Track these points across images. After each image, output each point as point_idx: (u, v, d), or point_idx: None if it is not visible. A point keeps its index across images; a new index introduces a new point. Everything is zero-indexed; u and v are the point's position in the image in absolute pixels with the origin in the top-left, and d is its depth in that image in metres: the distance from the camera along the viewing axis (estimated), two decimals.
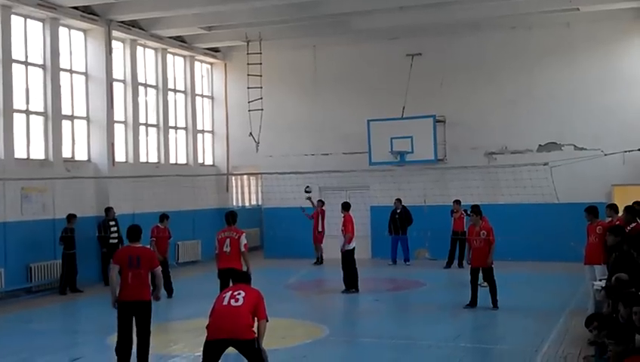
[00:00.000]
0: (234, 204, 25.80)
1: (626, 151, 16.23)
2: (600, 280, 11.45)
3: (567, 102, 20.98)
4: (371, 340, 11.83)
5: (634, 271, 9.23)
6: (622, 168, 19.29)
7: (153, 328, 9.56)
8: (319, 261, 22.12)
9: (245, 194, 27.10)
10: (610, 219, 13.18)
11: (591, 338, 9.48)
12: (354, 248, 16.30)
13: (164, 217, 16.75)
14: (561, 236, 17.16)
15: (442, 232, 19.81)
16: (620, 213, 13.20)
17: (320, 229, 21.85)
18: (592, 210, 13.12)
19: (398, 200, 21.21)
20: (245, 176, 26.15)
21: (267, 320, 7.91)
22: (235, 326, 7.63)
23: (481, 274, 14.22)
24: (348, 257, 16.18)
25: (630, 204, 13.48)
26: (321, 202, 22.08)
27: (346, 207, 16.63)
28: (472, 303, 13.97)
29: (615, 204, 13.86)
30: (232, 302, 7.76)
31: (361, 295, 16.13)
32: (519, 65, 21.53)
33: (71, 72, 19.40)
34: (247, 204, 27.09)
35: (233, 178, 25.55)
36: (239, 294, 7.84)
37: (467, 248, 14.92)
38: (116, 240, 18.35)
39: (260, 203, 26.36)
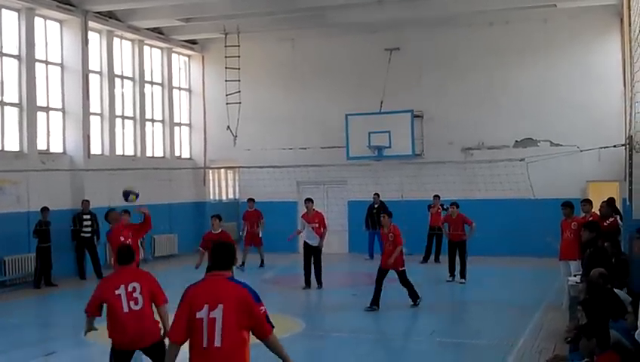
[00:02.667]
0: (211, 197, 25.68)
1: (601, 148, 16.29)
2: (575, 275, 11.57)
3: (543, 99, 21.10)
4: (348, 335, 11.84)
5: (608, 267, 9.32)
6: (597, 165, 19.40)
7: None
8: (244, 264, 19.02)
9: (223, 187, 26.95)
10: (584, 214, 13.31)
11: (568, 337, 9.56)
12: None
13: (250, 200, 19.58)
14: (537, 231, 17.27)
15: (419, 227, 19.84)
16: (598, 207, 13.41)
17: (256, 231, 19.97)
18: (570, 205, 13.27)
19: (376, 195, 21.24)
20: (223, 170, 26.01)
21: (167, 302, 7.28)
22: (141, 333, 7.14)
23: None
24: (319, 254, 16.24)
25: (605, 199, 13.67)
26: (252, 201, 20.25)
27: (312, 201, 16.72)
28: (414, 300, 13.79)
29: (590, 200, 13.99)
30: (132, 304, 7.11)
31: (338, 290, 16.14)
32: (496, 61, 21.61)
33: (46, 63, 19.16)
34: (224, 197, 26.97)
35: (210, 171, 25.39)
36: (135, 291, 7.15)
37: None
38: (89, 234, 18.31)
39: (237, 197, 26.24)
